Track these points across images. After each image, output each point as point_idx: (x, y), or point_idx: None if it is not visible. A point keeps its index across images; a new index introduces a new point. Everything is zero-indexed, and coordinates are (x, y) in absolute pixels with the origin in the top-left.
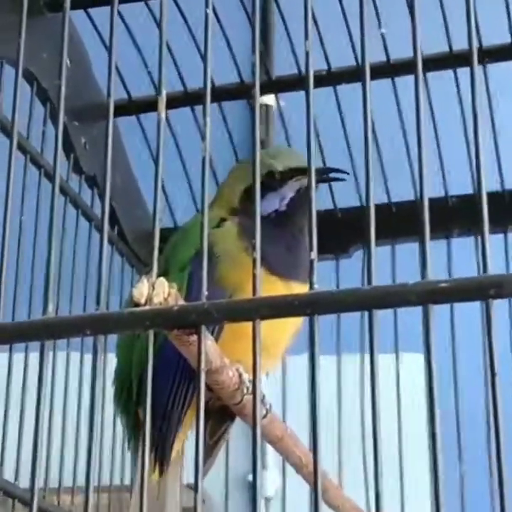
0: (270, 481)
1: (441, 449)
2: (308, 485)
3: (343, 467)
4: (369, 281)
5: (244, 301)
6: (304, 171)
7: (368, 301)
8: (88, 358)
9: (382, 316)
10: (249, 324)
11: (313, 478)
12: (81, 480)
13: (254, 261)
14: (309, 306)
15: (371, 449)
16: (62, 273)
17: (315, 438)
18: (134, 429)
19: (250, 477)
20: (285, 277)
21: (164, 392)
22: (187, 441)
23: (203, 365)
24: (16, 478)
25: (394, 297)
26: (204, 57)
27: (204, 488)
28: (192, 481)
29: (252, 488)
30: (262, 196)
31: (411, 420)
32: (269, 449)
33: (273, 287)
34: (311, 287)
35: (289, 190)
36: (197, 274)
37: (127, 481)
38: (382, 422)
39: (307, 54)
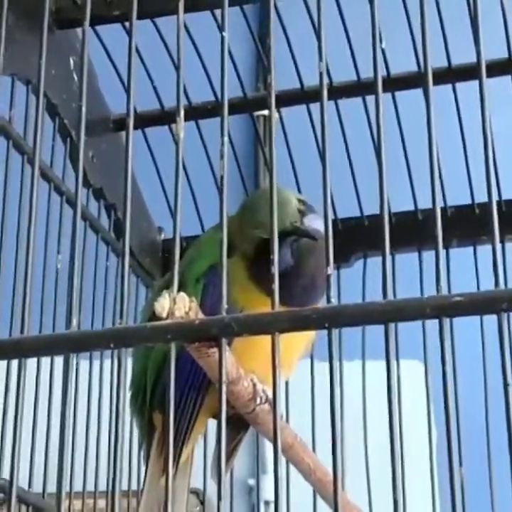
0: (270, 485)
1: (441, 455)
2: (316, 492)
3: (346, 472)
4: (384, 296)
5: (264, 315)
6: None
7: (384, 315)
8: (107, 364)
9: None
10: (260, 336)
11: (321, 484)
12: (90, 485)
13: (272, 277)
14: (327, 320)
15: (373, 454)
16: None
17: (334, 448)
18: (148, 433)
19: (251, 481)
20: (287, 303)
21: (176, 399)
22: (197, 449)
23: (224, 378)
24: (30, 485)
25: (409, 311)
26: (221, 78)
27: (207, 492)
28: (197, 486)
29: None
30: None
31: (410, 427)
32: (269, 453)
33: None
34: (328, 301)
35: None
36: (210, 288)
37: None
38: (382, 428)
39: (321, 75)
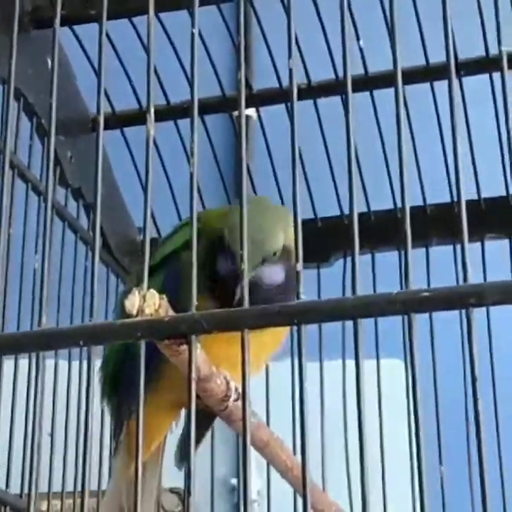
0: (252, 484)
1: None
2: (293, 489)
3: (327, 471)
4: (353, 292)
5: (233, 312)
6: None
7: (353, 310)
8: (75, 365)
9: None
10: (231, 333)
11: (298, 481)
12: (70, 485)
13: (241, 273)
14: (296, 316)
15: (353, 453)
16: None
17: (303, 445)
18: (117, 421)
19: (233, 481)
20: None
21: (130, 386)
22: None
23: (193, 375)
24: (8, 485)
25: (378, 307)
26: (191, 76)
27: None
28: (174, 485)
29: (237, 493)
30: None
31: (391, 425)
32: (251, 452)
33: None
34: (298, 297)
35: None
36: (169, 280)
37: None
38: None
39: (290, 71)
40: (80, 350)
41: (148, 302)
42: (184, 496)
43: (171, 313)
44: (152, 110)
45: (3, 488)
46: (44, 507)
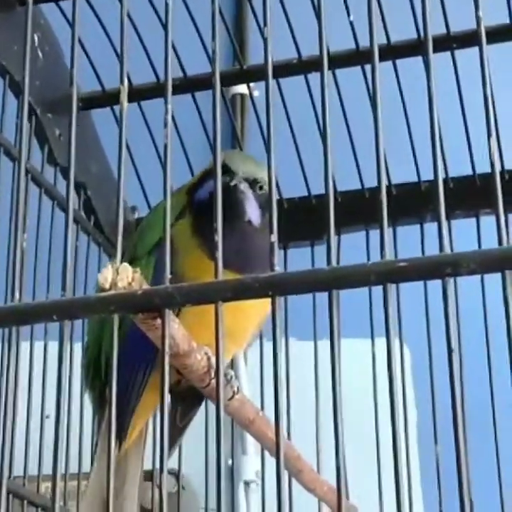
0: (250, 465)
1: (417, 431)
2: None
3: (323, 451)
4: (328, 262)
5: (207, 284)
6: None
7: (328, 281)
8: (52, 345)
9: (360, 301)
10: (211, 308)
11: (286, 458)
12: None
13: (215, 245)
14: (270, 288)
15: (349, 434)
16: (39, 263)
17: (277, 423)
18: (100, 406)
19: (230, 462)
20: (237, 271)
21: (125, 371)
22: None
23: (167, 349)
24: None
25: (353, 277)
26: (165, 47)
27: (184, 474)
28: (170, 466)
29: (216, 471)
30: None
31: (388, 404)
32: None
33: None
34: (272, 269)
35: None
36: (162, 260)
37: None
38: (358, 405)
39: (265, 40)
40: (59, 327)
41: (121, 276)
42: (178, 476)
43: (145, 286)
44: (125, 82)
45: None
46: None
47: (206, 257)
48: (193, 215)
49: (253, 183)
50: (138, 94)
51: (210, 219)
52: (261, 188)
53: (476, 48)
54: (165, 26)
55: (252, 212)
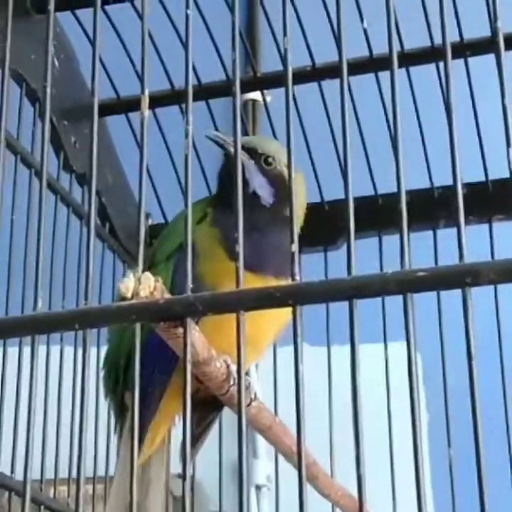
0: (261, 468)
1: (433, 437)
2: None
3: (336, 456)
4: (349, 272)
5: (228, 294)
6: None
7: (348, 291)
8: (68, 351)
9: (372, 306)
10: (231, 316)
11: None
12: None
13: (237, 255)
14: (291, 297)
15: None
16: (54, 270)
17: (299, 429)
18: (121, 414)
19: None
20: (262, 274)
21: (145, 378)
22: (174, 431)
23: (189, 357)
24: (13, 471)
25: (373, 287)
26: (185, 57)
27: (195, 476)
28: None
29: (239, 475)
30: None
31: (400, 409)
32: (260, 437)
33: (249, 284)
34: (293, 278)
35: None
36: (181, 267)
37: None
38: (372, 410)
39: (285, 51)
40: (75, 335)
41: (143, 285)
42: (192, 481)
43: (167, 295)
44: (146, 92)
45: (8, 474)
46: (51, 493)
47: (226, 257)
48: (212, 216)
49: (254, 153)
50: (152, 101)
51: (230, 217)
52: (267, 162)
53: (489, 55)
54: (186, 40)
55: (256, 182)
